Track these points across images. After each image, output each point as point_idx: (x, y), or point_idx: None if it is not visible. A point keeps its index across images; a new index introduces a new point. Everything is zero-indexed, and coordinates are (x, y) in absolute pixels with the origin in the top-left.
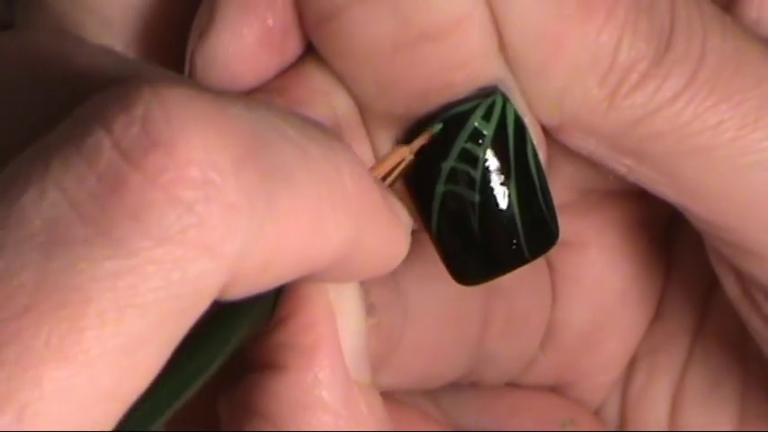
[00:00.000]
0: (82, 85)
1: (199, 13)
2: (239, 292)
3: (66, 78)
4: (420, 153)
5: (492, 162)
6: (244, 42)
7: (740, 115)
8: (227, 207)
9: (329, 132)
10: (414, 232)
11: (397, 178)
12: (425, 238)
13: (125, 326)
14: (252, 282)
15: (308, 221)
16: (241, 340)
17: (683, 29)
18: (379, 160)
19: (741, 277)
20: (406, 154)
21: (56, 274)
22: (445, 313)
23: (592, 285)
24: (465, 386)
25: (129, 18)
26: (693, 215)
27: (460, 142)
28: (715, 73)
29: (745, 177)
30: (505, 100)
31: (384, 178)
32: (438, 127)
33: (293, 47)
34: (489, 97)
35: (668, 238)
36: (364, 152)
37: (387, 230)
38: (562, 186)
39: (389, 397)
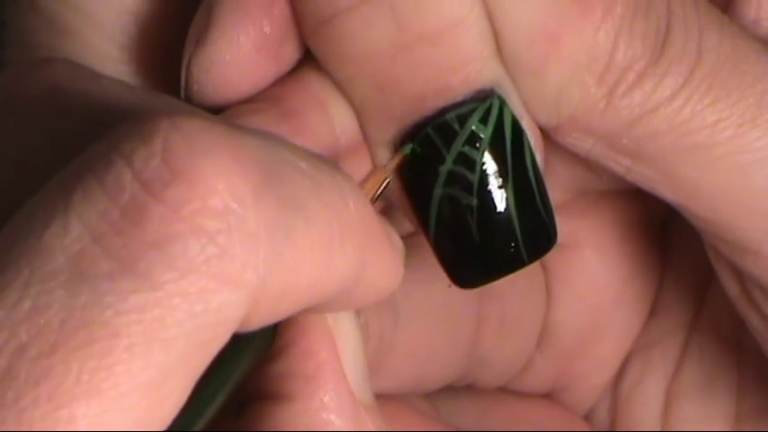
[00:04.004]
0: (99, 117)
1: (195, 19)
2: (257, 322)
3: (84, 111)
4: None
5: (489, 165)
6: (240, 49)
7: (738, 113)
8: (249, 237)
9: (333, 164)
10: (407, 236)
11: (377, 199)
12: (417, 242)
13: (153, 359)
14: (269, 312)
15: (320, 251)
16: (245, 372)
17: (680, 28)
18: (360, 183)
19: (739, 275)
20: (385, 175)
21: (82, 311)
22: (438, 316)
23: (586, 286)
24: (462, 391)
25: (123, 21)
26: (692, 214)
27: (458, 146)
28: (712, 71)
29: (744, 175)
30: (502, 103)
31: None
32: (409, 147)
33: (289, 54)
34: (486, 100)
35: (663, 235)
36: (362, 161)
37: (386, 259)
38: (556, 188)
39: (385, 394)
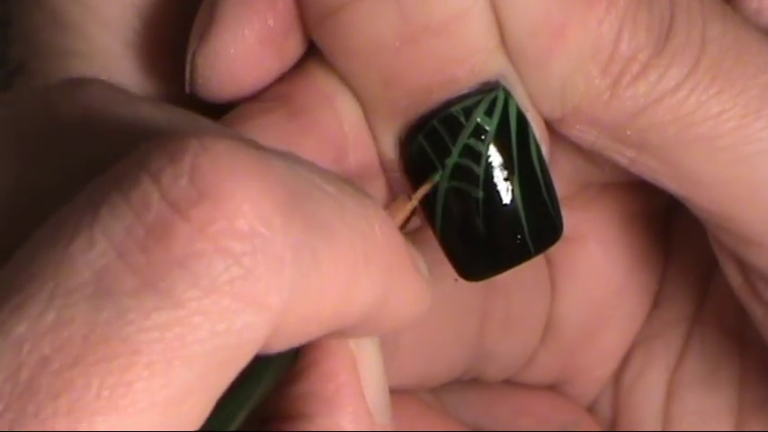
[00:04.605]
0: (133, 141)
1: (199, 14)
2: (280, 345)
3: (118, 135)
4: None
5: (495, 158)
6: (245, 43)
7: (742, 104)
8: (274, 259)
9: (358, 187)
10: (413, 230)
11: (403, 227)
12: (422, 237)
13: (173, 377)
14: (292, 335)
15: (345, 275)
16: (266, 392)
17: (684, 19)
18: (389, 212)
19: (743, 267)
20: (413, 205)
21: (105, 326)
22: (444, 312)
23: (590, 279)
24: (468, 384)
25: (127, 16)
26: (696, 205)
27: (463, 138)
28: (716, 62)
29: (748, 166)
30: (508, 95)
31: None
32: (439, 174)
33: (294, 48)
34: (491, 92)
35: (666, 227)
36: (370, 156)
37: (412, 286)
38: (559, 180)
39: (392, 389)
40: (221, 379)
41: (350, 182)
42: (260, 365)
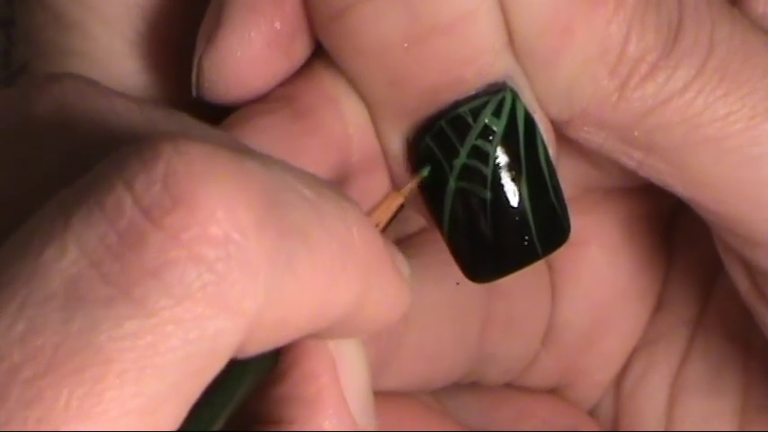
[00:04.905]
0: (108, 137)
1: (206, 17)
2: (256, 348)
3: (94, 131)
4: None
5: (503, 159)
6: (252, 45)
7: (750, 105)
8: (248, 265)
9: (338, 189)
10: (415, 233)
11: (389, 223)
12: (425, 239)
13: (145, 386)
14: (267, 340)
15: (322, 280)
16: (245, 396)
17: (692, 20)
18: (373, 207)
19: (750, 269)
20: (399, 200)
21: (76, 336)
22: (445, 315)
23: (592, 283)
24: (468, 388)
25: (130, 16)
26: (702, 207)
27: (471, 139)
28: (724, 64)
29: (755, 168)
30: (515, 96)
31: (377, 224)
32: (427, 170)
33: (301, 50)
34: (499, 93)
35: (669, 231)
36: (374, 158)
37: (391, 288)
38: (563, 184)
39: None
40: (195, 385)
41: (329, 183)
42: (237, 369)
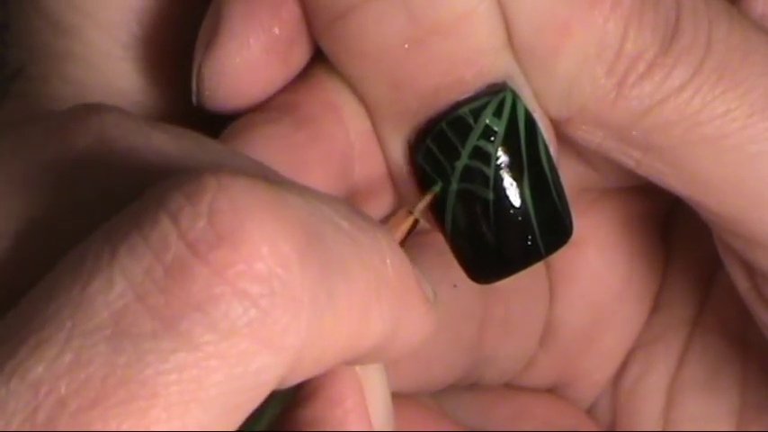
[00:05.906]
0: (145, 172)
1: (204, 23)
2: (294, 380)
3: (131, 165)
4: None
5: (504, 159)
6: (250, 52)
7: (748, 104)
8: (292, 301)
9: (371, 219)
10: (415, 234)
11: (404, 242)
12: (423, 241)
13: (189, 420)
14: (305, 372)
15: (358, 312)
16: (273, 419)
17: (689, 19)
18: (389, 227)
19: (750, 270)
20: (413, 218)
21: (123, 368)
22: (442, 316)
23: (589, 283)
24: (467, 388)
25: (126, 19)
26: (702, 207)
27: (473, 140)
28: (722, 62)
29: (754, 166)
30: (515, 96)
31: None
32: (438, 186)
33: (299, 56)
34: (499, 94)
35: (666, 231)
36: (377, 166)
37: (420, 314)
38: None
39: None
40: (237, 418)
41: (364, 214)
42: (268, 397)
